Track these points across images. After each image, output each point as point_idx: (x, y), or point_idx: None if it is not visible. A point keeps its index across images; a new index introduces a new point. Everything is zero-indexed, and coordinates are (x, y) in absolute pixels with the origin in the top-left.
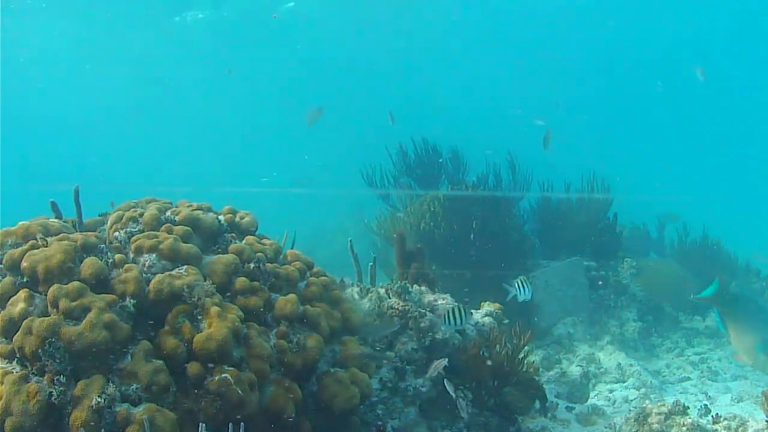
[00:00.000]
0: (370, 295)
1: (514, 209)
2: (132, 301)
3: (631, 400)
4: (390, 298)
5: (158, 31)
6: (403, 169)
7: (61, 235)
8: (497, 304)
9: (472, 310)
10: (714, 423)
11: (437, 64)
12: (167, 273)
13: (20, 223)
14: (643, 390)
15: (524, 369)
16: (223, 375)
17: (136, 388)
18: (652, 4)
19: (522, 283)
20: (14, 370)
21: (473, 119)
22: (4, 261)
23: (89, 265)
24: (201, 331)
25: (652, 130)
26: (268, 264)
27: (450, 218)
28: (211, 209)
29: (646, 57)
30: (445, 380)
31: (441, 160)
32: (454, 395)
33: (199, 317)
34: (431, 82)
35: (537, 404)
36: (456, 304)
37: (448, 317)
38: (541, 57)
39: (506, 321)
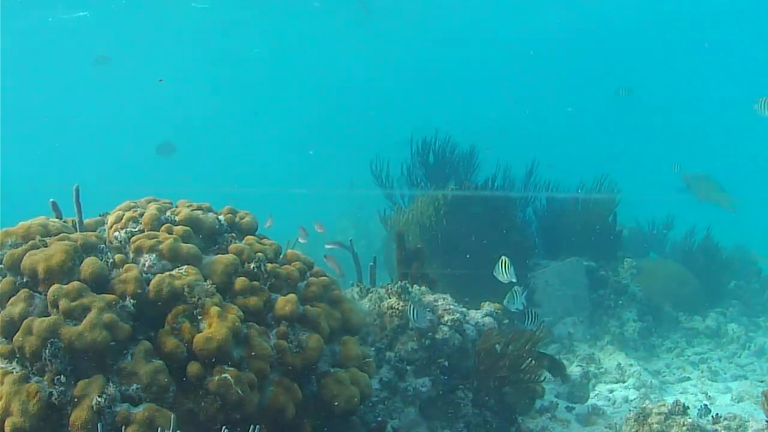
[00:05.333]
0: (370, 295)
1: (517, 210)
2: (132, 301)
3: (631, 400)
4: (390, 298)
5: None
6: (417, 165)
7: (61, 235)
8: (497, 304)
9: (473, 311)
10: (714, 423)
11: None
12: (167, 273)
13: (20, 223)
14: (643, 390)
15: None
16: (223, 375)
17: (137, 388)
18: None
19: (515, 293)
20: (14, 370)
21: (483, 119)
22: (4, 261)
23: (89, 265)
24: (201, 331)
25: (652, 129)
26: (268, 264)
27: (452, 217)
28: (211, 209)
29: (646, 56)
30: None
31: (453, 157)
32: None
33: (199, 317)
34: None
35: (537, 404)
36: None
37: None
38: (541, 55)
39: (506, 321)
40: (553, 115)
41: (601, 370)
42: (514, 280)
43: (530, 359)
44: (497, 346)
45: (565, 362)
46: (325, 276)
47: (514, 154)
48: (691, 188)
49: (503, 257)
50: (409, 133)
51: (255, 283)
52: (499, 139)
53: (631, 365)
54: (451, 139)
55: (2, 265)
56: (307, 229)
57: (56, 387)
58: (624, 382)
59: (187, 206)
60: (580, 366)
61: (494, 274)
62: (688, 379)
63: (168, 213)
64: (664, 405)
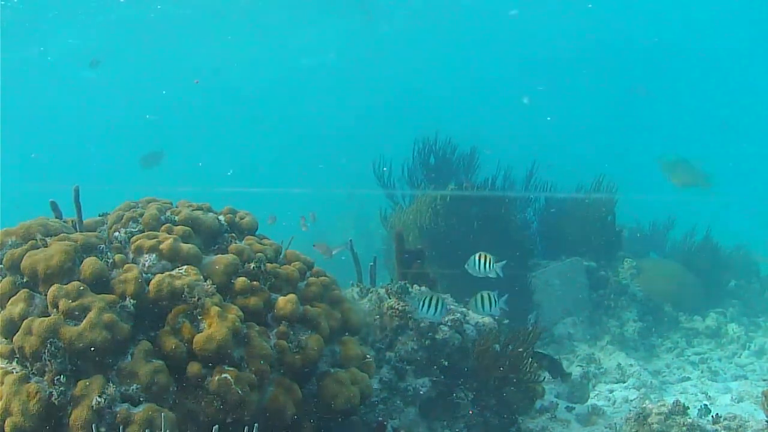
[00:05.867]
0: (370, 295)
1: (517, 211)
2: (132, 301)
3: (631, 400)
4: (390, 299)
5: None
6: (418, 166)
7: (61, 235)
8: None
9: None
10: (714, 423)
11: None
12: (167, 273)
13: (20, 223)
14: (643, 390)
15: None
16: (223, 375)
17: (136, 388)
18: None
19: (485, 298)
20: (14, 370)
21: (484, 119)
22: (4, 261)
23: (89, 265)
24: (201, 332)
25: (652, 128)
26: (268, 264)
27: (452, 217)
28: (211, 209)
29: (647, 54)
30: None
31: (454, 158)
32: None
33: (199, 317)
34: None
35: (537, 404)
36: (435, 294)
37: (424, 304)
38: (541, 54)
39: (506, 321)
40: (553, 115)
41: (601, 370)
42: (492, 276)
43: (530, 359)
44: (496, 345)
45: (565, 362)
46: (325, 276)
47: (514, 155)
48: (668, 174)
49: (481, 252)
50: (408, 134)
51: (255, 283)
52: (499, 139)
53: (631, 365)
54: (452, 141)
55: (2, 265)
56: (308, 223)
57: (56, 387)
58: (624, 382)
59: (187, 206)
60: (580, 366)
61: (466, 267)
62: (688, 379)
63: (168, 213)
64: (664, 405)
